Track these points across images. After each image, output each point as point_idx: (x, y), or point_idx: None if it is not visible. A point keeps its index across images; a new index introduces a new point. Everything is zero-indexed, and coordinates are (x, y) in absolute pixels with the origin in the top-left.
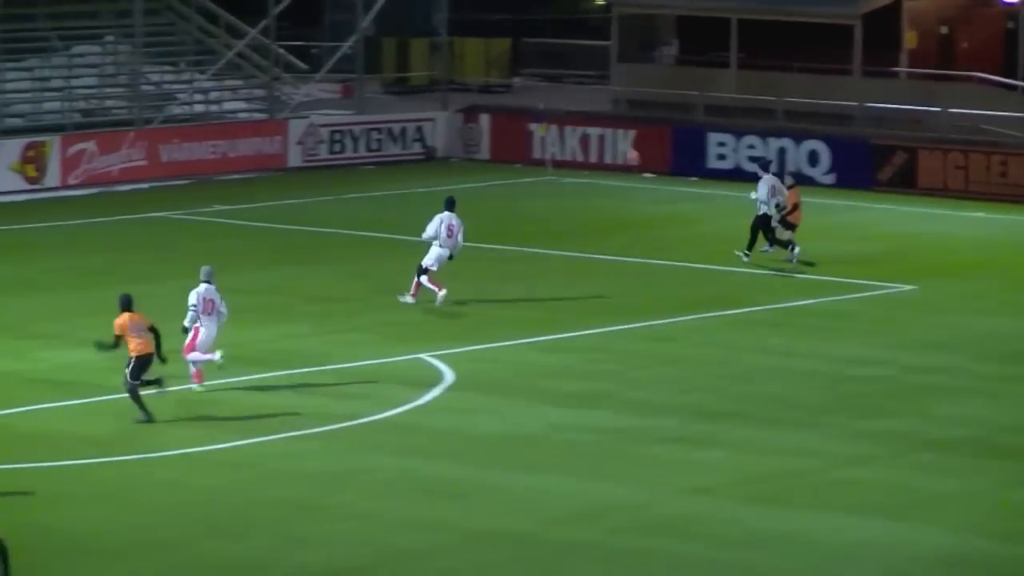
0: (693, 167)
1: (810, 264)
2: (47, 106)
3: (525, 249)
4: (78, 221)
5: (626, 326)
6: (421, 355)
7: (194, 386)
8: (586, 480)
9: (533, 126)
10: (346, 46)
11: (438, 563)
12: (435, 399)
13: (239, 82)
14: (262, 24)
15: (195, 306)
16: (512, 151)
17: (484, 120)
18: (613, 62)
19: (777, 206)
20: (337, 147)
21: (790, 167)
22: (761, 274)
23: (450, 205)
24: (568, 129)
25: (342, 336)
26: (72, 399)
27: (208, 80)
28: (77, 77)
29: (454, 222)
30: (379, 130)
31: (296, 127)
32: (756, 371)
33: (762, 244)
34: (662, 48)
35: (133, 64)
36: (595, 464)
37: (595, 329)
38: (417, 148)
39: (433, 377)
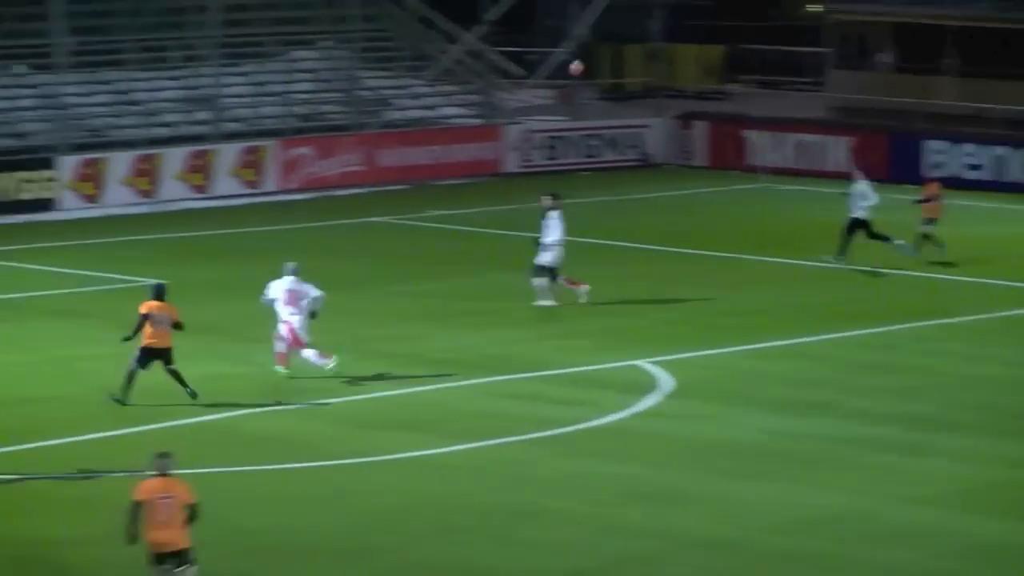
0: (909, 174)
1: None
2: (265, 111)
3: (740, 256)
4: (296, 225)
5: (844, 334)
6: (637, 361)
7: (279, 368)
8: (806, 488)
9: (748, 133)
10: (561, 52)
11: (657, 570)
12: (653, 405)
13: (455, 87)
14: (478, 30)
15: (276, 299)
16: (727, 157)
17: (699, 127)
18: (828, 69)
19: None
20: (552, 153)
21: (1009, 176)
22: (979, 283)
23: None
24: (783, 136)
25: (559, 342)
26: (290, 403)
27: (424, 85)
28: (295, 82)
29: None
30: (595, 136)
31: (511, 133)
32: (976, 380)
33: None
34: (878, 55)
35: (350, 69)
36: (815, 472)
37: (812, 337)
38: (632, 154)
39: (650, 383)
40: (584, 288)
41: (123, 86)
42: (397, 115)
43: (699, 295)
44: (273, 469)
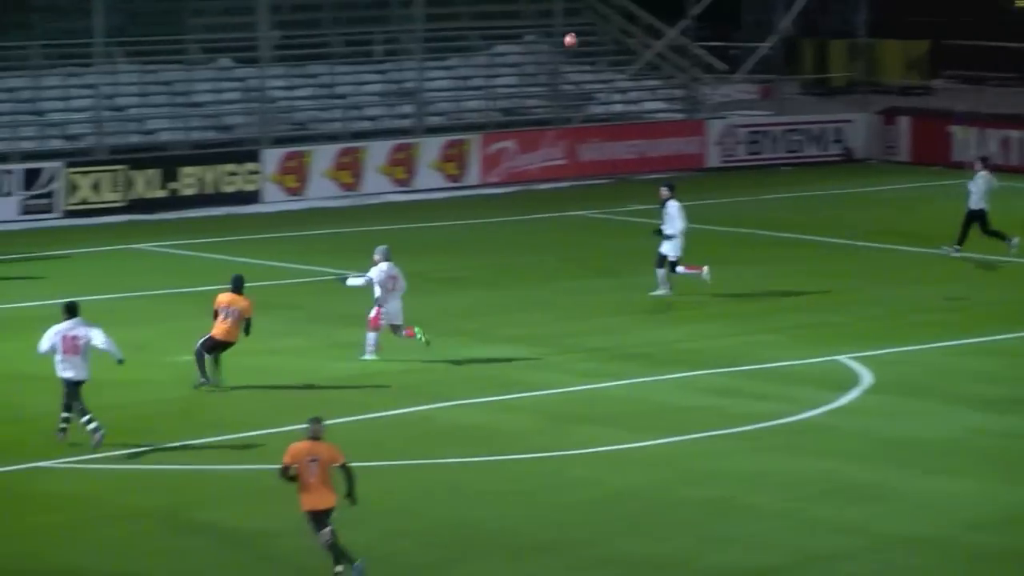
0: None
1: None
2: (468, 105)
3: (938, 252)
4: (497, 219)
5: None
6: (838, 357)
7: (366, 356)
8: (1006, 486)
9: (954, 128)
10: (765, 47)
11: (854, 567)
12: (852, 401)
13: (658, 82)
14: (681, 24)
15: (379, 281)
16: (932, 153)
17: (903, 122)
18: None
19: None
20: (755, 148)
21: None
22: None
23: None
24: (989, 132)
25: (757, 337)
26: (489, 395)
27: (627, 80)
28: (498, 76)
29: None
30: (797, 131)
31: (714, 127)
32: None
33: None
34: None
35: (553, 64)
36: (1014, 470)
37: (1010, 334)
38: (836, 149)
39: (850, 379)
40: (705, 270)
41: (327, 79)
42: (600, 109)
43: (897, 291)
44: (469, 462)
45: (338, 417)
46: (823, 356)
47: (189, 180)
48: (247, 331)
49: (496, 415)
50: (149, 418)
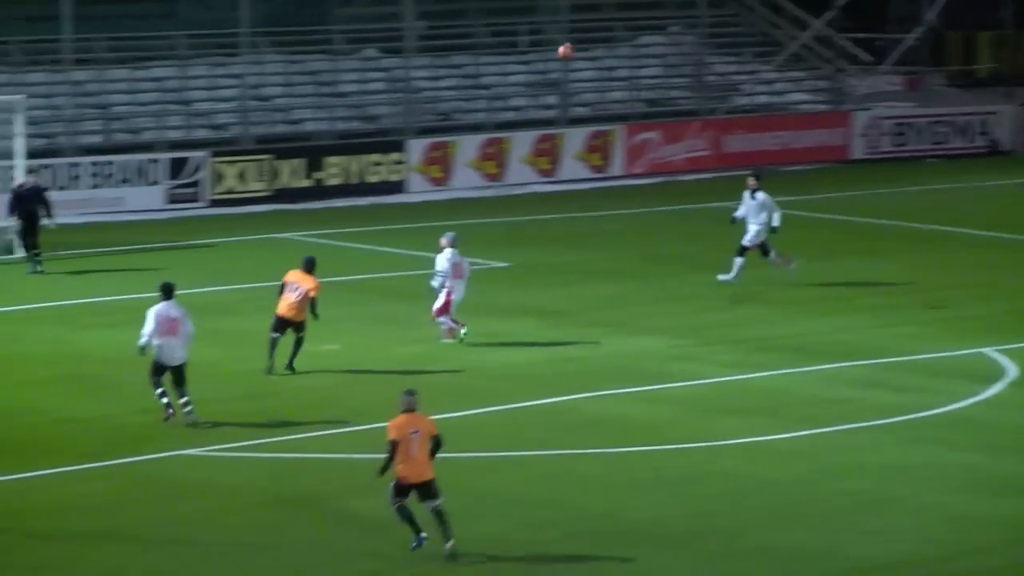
0: None
1: None
2: (612, 96)
3: None
4: (641, 210)
5: None
6: (983, 349)
7: (445, 340)
8: None
9: None
10: (910, 38)
11: (998, 559)
12: (997, 394)
13: (803, 73)
14: (827, 15)
15: (444, 272)
16: None
17: None
18: None
19: None
20: (900, 139)
21: None
22: None
23: None
24: None
25: (901, 329)
26: (634, 386)
27: (772, 71)
28: (642, 67)
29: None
30: (943, 123)
31: (859, 119)
32: None
33: None
34: None
35: (697, 55)
36: None
37: None
38: (981, 141)
39: (995, 371)
40: (793, 264)
41: (472, 70)
42: (744, 101)
43: None
44: (614, 452)
45: (483, 407)
46: (967, 348)
47: (334, 170)
48: (314, 312)
49: (641, 406)
50: (296, 406)
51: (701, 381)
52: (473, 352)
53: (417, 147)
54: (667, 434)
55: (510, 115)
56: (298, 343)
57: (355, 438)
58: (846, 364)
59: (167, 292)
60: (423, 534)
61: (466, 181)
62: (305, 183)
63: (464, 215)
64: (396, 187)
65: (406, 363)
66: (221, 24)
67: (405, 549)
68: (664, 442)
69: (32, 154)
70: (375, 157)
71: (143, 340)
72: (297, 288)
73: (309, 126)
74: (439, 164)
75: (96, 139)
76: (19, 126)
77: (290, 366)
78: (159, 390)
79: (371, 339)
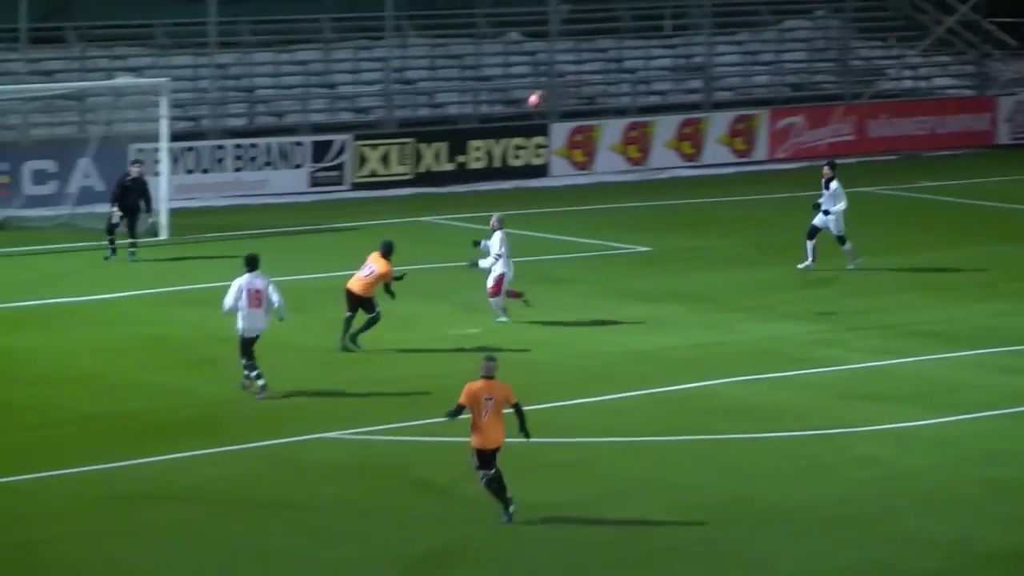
0: None
1: None
2: (757, 80)
3: None
4: (784, 195)
5: None
6: None
7: (502, 319)
8: None
9: None
10: None
11: None
12: None
13: (948, 58)
14: (972, 0)
15: (500, 252)
16: None
17: None
18: None
19: None
20: None
21: None
22: None
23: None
24: None
25: None
26: (774, 371)
27: (917, 56)
28: (787, 52)
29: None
30: None
31: (1005, 104)
32: None
33: None
34: None
35: (842, 39)
36: None
37: None
38: None
39: None
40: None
41: (616, 54)
42: (889, 85)
43: None
44: (755, 438)
45: (625, 391)
46: None
47: (477, 153)
48: (389, 292)
49: (782, 391)
50: (438, 390)
51: (844, 367)
52: (615, 337)
53: (560, 131)
54: (810, 420)
55: (654, 99)
56: (371, 321)
57: None
58: (990, 350)
59: (252, 264)
60: (512, 508)
61: (609, 165)
62: (448, 167)
63: (606, 199)
64: (539, 171)
65: (545, 347)
66: (366, 7)
67: (544, 531)
68: (807, 428)
69: (176, 137)
70: (518, 141)
71: (226, 307)
72: (371, 268)
73: (452, 109)
74: (582, 148)
75: (240, 122)
76: (164, 109)
77: (354, 339)
78: (253, 371)
79: (512, 322)
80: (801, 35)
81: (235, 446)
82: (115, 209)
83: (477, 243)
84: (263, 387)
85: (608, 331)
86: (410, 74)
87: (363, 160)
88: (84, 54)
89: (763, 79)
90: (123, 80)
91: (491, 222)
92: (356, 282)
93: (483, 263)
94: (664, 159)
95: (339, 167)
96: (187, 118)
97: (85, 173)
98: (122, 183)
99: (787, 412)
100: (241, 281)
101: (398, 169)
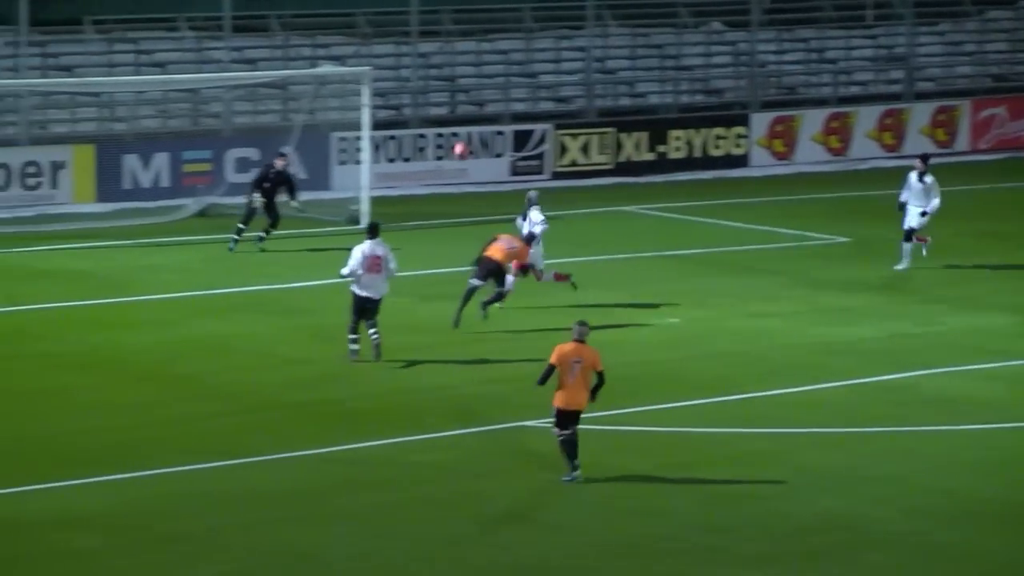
0: None
1: None
2: (959, 71)
3: None
4: (986, 186)
5: None
6: None
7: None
8: None
9: None
10: None
11: None
12: None
13: None
14: None
15: (544, 226)
16: None
17: None
18: None
19: None
20: None
21: None
22: None
23: None
24: None
25: None
26: (975, 363)
27: None
28: (989, 42)
29: None
30: None
31: None
32: None
33: None
34: None
35: None
36: None
37: None
38: None
39: None
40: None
41: (817, 44)
42: None
43: None
44: (954, 430)
45: (824, 382)
46: None
47: (677, 143)
48: (524, 273)
49: (982, 384)
50: (635, 379)
51: None
52: (812, 328)
53: (761, 121)
54: (1009, 413)
55: (855, 89)
56: (500, 295)
57: (689, 412)
58: None
59: (373, 231)
60: (577, 473)
61: (809, 155)
62: (648, 156)
63: (807, 189)
64: (739, 161)
65: (744, 338)
66: None
67: (739, 521)
68: (1006, 421)
69: (378, 125)
70: (718, 131)
71: (345, 272)
72: (512, 244)
73: (653, 99)
74: (782, 138)
75: (441, 111)
76: (365, 97)
77: (485, 307)
78: (353, 335)
79: (710, 313)
80: (1004, 25)
81: (436, 433)
82: (256, 195)
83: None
84: (377, 347)
85: (805, 322)
86: (611, 63)
87: (564, 149)
88: (287, 43)
89: (965, 69)
90: (325, 69)
91: (529, 195)
92: (497, 251)
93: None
94: (865, 149)
95: (540, 156)
96: (389, 107)
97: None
98: (266, 175)
99: (987, 404)
100: (363, 247)
101: (598, 159)
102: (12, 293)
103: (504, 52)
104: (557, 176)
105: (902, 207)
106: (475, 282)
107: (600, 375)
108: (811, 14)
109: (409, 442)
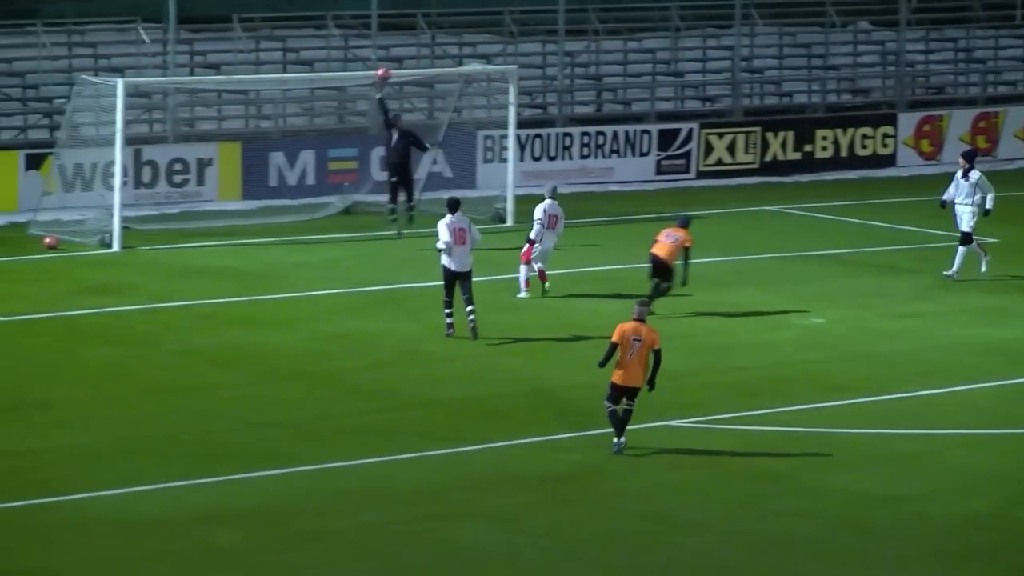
0: None
1: None
2: None
3: None
4: None
5: None
6: None
7: (520, 295)
8: None
9: None
10: None
11: None
12: None
13: None
14: None
15: (541, 220)
16: None
17: None
18: None
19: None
20: None
21: None
22: None
23: None
24: None
25: None
26: None
27: None
28: None
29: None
30: None
31: None
32: None
33: None
34: None
35: None
36: None
37: None
38: None
39: None
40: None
41: (965, 43)
42: None
43: None
44: None
45: (971, 383)
46: None
47: (823, 143)
48: (684, 272)
49: None
50: (780, 380)
51: None
52: (959, 327)
53: (908, 121)
54: None
55: (1003, 89)
56: (666, 290)
57: (834, 413)
58: None
59: (454, 207)
60: (622, 440)
61: (957, 155)
62: (794, 156)
63: None
64: (886, 160)
65: (890, 338)
66: None
67: (887, 521)
68: None
69: (523, 124)
70: (865, 130)
71: (442, 245)
72: (673, 236)
73: (799, 98)
74: (929, 138)
75: (587, 110)
76: (512, 96)
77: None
78: (448, 310)
79: (856, 313)
80: None
81: (576, 433)
82: (395, 179)
83: (943, 204)
84: (474, 328)
85: (952, 322)
86: (757, 62)
87: (709, 148)
88: (433, 41)
89: None
90: (472, 67)
91: (547, 191)
92: (662, 248)
93: (532, 234)
94: (1013, 149)
95: (685, 155)
96: (535, 105)
97: (433, 159)
98: (389, 144)
99: None
100: (446, 221)
101: (744, 158)
102: (158, 290)
103: (650, 51)
104: (702, 175)
105: (944, 204)
106: (656, 282)
107: (657, 354)
108: (960, 13)
109: (552, 440)
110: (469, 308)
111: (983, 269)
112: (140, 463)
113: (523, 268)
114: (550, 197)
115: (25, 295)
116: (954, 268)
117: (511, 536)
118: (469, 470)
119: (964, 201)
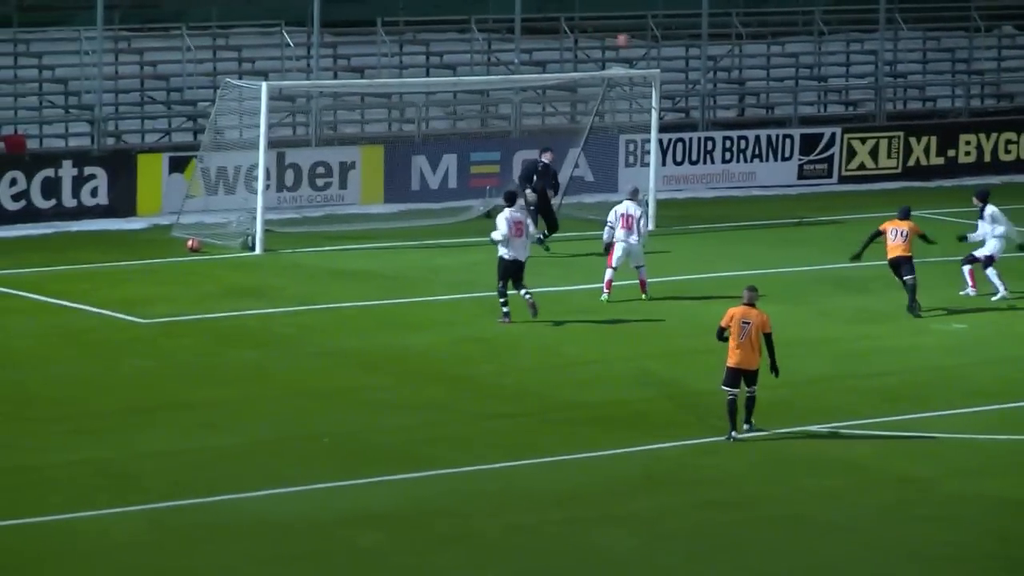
0: None
1: None
2: None
3: None
4: None
5: None
6: None
7: (603, 296)
8: None
9: None
10: None
11: None
12: None
13: None
14: None
15: (611, 223)
16: None
17: None
18: None
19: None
20: None
21: None
22: None
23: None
24: None
25: None
26: None
27: None
28: None
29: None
30: None
31: None
32: None
33: None
34: None
35: None
36: None
37: None
38: None
39: None
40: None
41: None
42: None
43: None
44: None
45: None
46: None
47: (967, 147)
48: (930, 241)
49: None
50: (922, 385)
51: None
52: None
53: None
54: None
55: None
56: (912, 288)
57: (977, 418)
58: None
59: (511, 199)
60: (735, 433)
61: None
62: (937, 161)
63: None
64: None
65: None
66: (858, 0)
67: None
68: None
69: (665, 128)
70: (1009, 135)
71: (498, 237)
72: (902, 232)
73: (943, 103)
74: None
75: (730, 114)
76: (655, 100)
77: (912, 306)
78: (503, 299)
79: (998, 317)
80: None
81: (718, 437)
82: (529, 192)
83: (963, 238)
84: (532, 304)
85: None
86: (901, 67)
87: (852, 153)
88: (576, 45)
89: None
90: (615, 71)
91: (630, 193)
92: (896, 248)
93: (605, 236)
94: None
95: (828, 160)
96: (677, 109)
97: (575, 163)
98: (533, 169)
99: None
100: (505, 215)
101: (886, 163)
102: (300, 293)
103: (793, 55)
104: (844, 180)
105: (963, 239)
106: (908, 278)
107: (768, 337)
108: None
109: (692, 445)
110: (525, 292)
111: (965, 292)
112: (283, 464)
113: (608, 271)
114: (629, 198)
115: (168, 297)
116: (1000, 289)
117: (652, 540)
118: (612, 473)
119: (991, 236)
